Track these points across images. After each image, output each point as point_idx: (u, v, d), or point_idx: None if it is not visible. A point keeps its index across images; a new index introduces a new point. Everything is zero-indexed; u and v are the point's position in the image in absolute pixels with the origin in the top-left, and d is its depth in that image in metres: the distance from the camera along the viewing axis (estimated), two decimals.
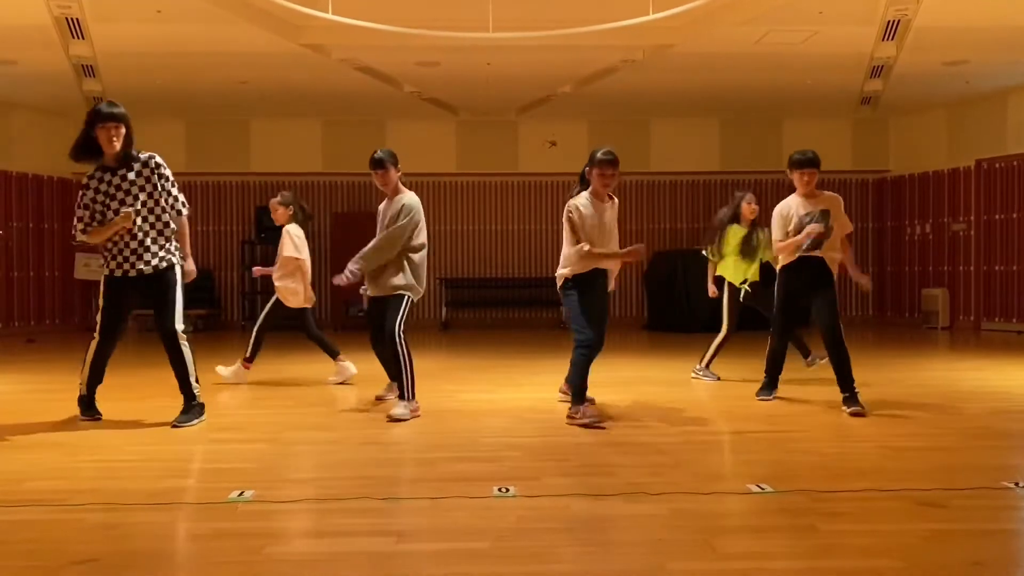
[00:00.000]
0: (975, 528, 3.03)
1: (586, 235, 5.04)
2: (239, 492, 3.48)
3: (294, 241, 6.95)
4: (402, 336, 5.37)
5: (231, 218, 13.47)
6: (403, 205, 5.70)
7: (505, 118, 13.21)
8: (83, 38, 9.03)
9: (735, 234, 6.87)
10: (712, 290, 7.03)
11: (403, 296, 5.50)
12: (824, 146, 13.40)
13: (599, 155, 5.21)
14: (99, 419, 5.10)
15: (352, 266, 5.53)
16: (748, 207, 6.91)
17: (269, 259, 13.26)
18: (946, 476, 3.77)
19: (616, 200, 5.36)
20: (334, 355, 6.94)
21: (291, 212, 7.03)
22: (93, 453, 4.28)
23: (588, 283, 5.10)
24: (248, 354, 6.91)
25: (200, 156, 13.10)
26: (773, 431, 4.81)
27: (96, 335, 5.12)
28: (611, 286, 5.30)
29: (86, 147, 4.93)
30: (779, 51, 9.68)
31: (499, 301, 13.55)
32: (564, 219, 5.18)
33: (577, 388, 5.03)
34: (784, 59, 10.01)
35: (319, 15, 8.33)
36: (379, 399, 5.95)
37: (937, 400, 5.84)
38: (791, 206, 5.53)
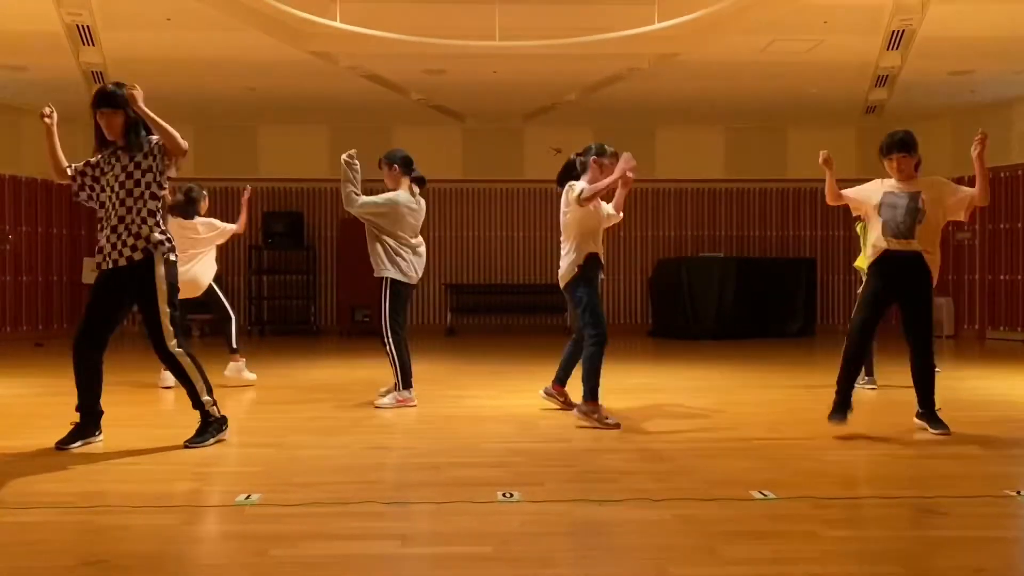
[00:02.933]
0: (977, 535, 3.05)
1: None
2: (246, 495, 3.51)
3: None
4: (388, 328, 5.75)
5: None
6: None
7: (511, 125, 13.27)
8: (93, 45, 9.10)
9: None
10: None
11: (383, 279, 5.84)
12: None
13: (610, 148, 5.48)
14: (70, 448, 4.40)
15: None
16: None
17: (276, 264, 13.36)
18: (948, 484, 3.79)
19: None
20: None
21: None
22: (99, 457, 4.31)
23: (593, 273, 5.28)
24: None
25: (208, 162, 13.16)
26: (777, 438, 4.83)
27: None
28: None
29: (101, 137, 4.53)
30: (784, 60, 9.72)
31: (504, 307, 13.58)
32: (572, 200, 5.22)
33: (595, 386, 5.11)
34: (789, 68, 10.05)
35: (327, 23, 8.40)
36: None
37: (941, 408, 5.84)
38: (883, 182, 4.93)
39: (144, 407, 6.02)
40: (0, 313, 11.88)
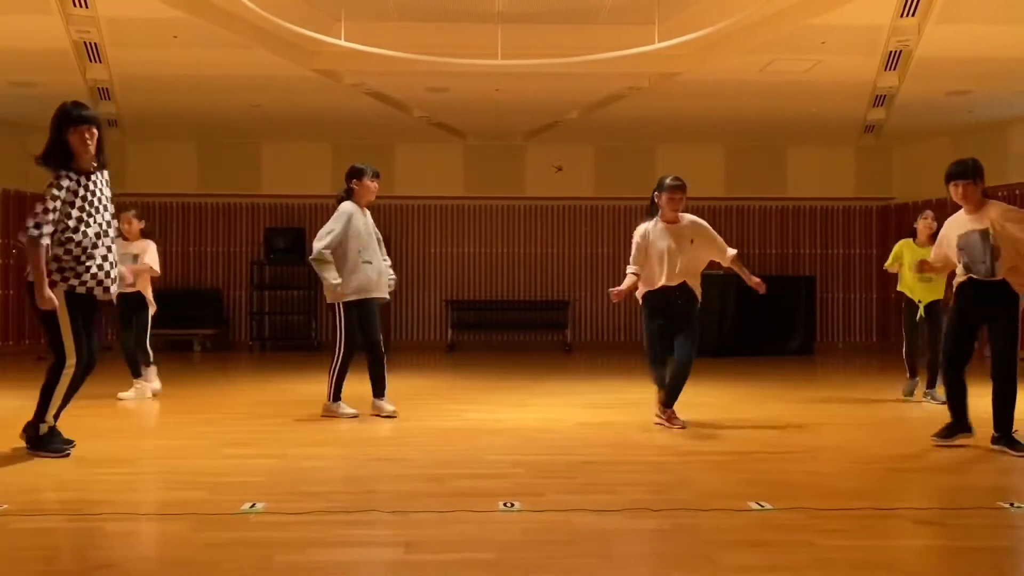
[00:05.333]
0: (969, 545, 3.10)
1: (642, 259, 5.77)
2: (251, 504, 3.57)
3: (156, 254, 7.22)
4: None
5: (241, 239, 13.61)
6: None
7: (512, 143, 13.38)
8: (100, 62, 9.21)
9: (910, 250, 6.96)
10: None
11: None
12: (828, 173, 13.70)
13: (668, 181, 5.89)
14: (68, 452, 4.55)
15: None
16: (923, 223, 7.00)
17: (279, 279, 13.44)
18: (944, 496, 3.85)
19: (684, 222, 5.97)
20: (136, 373, 7.00)
21: (143, 226, 7.27)
22: (103, 467, 4.37)
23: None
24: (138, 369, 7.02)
25: (211, 177, 13.28)
26: (775, 452, 4.89)
27: (71, 360, 4.46)
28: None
29: (62, 153, 4.48)
30: (783, 79, 9.83)
31: (505, 323, 13.63)
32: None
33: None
34: (788, 87, 10.15)
35: (331, 41, 8.51)
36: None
37: (939, 424, 5.89)
38: (954, 221, 5.05)
39: (143, 420, 6.07)
40: (4, 326, 11.94)
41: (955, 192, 5.01)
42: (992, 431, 4.85)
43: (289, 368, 10.10)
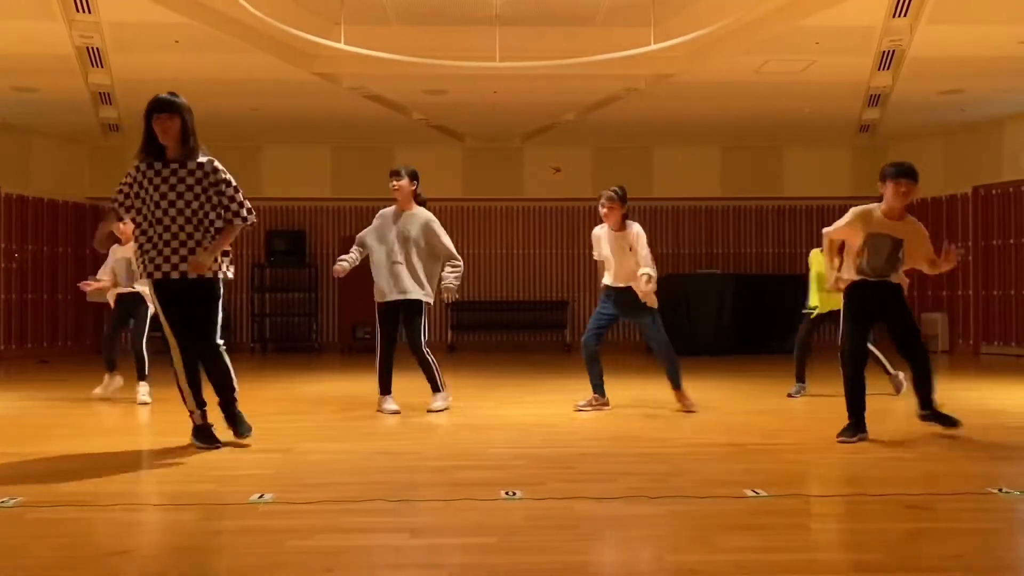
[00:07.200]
0: (957, 527, 3.20)
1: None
2: (259, 495, 3.66)
3: None
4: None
5: (242, 242, 13.68)
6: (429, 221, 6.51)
7: (510, 145, 13.49)
8: (102, 66, 9.31)
9: (815, 259, 7.17)
10: None
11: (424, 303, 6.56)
12: (824, 173, 13.83)
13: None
14: (219, 445, 4.78)
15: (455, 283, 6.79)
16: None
17: (279, 282, 13.53)
18: (934, 483, 3.94)
19: (627, 231, 6.14)
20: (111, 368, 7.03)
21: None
22: (114, 461, 4.46)
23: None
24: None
25: None
26: (771, 444, 4.98)
27: (176, 348, 4.71)
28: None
29: (149, 140, 4.68)
30: (778, 80, 9.94)
31: (504, 324, 13.74)
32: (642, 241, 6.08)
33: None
34: (783, 87, 10.27)
35: (331, 45, 8.62)
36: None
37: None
38: (867, 217, 5.01)
39: (152, 416, 6.16)
40: (6, 330, 12.03)
41: (896, 190, 4.93)
42: (919, 409, 5.15)
43: (290, 369, 10.20)
